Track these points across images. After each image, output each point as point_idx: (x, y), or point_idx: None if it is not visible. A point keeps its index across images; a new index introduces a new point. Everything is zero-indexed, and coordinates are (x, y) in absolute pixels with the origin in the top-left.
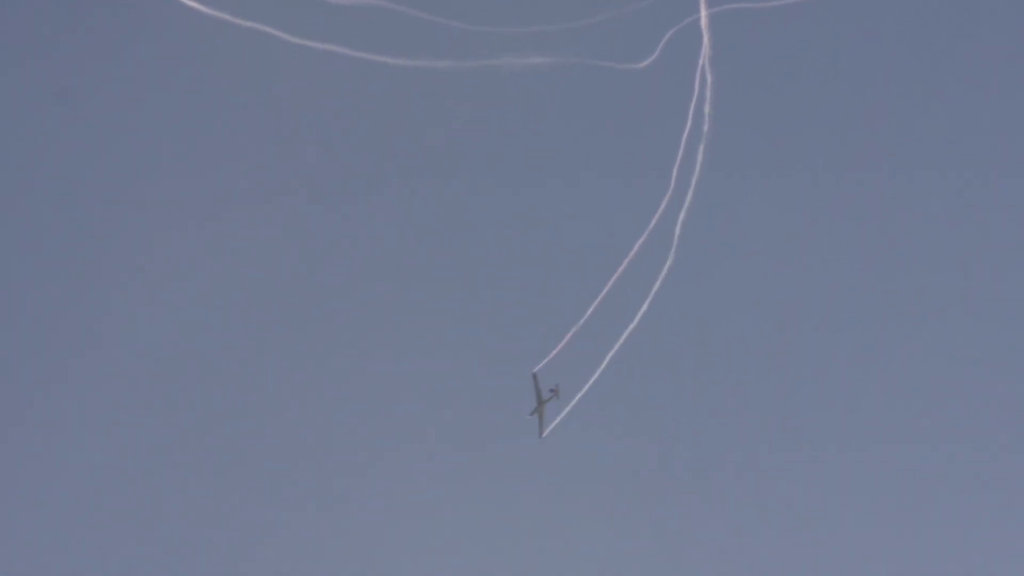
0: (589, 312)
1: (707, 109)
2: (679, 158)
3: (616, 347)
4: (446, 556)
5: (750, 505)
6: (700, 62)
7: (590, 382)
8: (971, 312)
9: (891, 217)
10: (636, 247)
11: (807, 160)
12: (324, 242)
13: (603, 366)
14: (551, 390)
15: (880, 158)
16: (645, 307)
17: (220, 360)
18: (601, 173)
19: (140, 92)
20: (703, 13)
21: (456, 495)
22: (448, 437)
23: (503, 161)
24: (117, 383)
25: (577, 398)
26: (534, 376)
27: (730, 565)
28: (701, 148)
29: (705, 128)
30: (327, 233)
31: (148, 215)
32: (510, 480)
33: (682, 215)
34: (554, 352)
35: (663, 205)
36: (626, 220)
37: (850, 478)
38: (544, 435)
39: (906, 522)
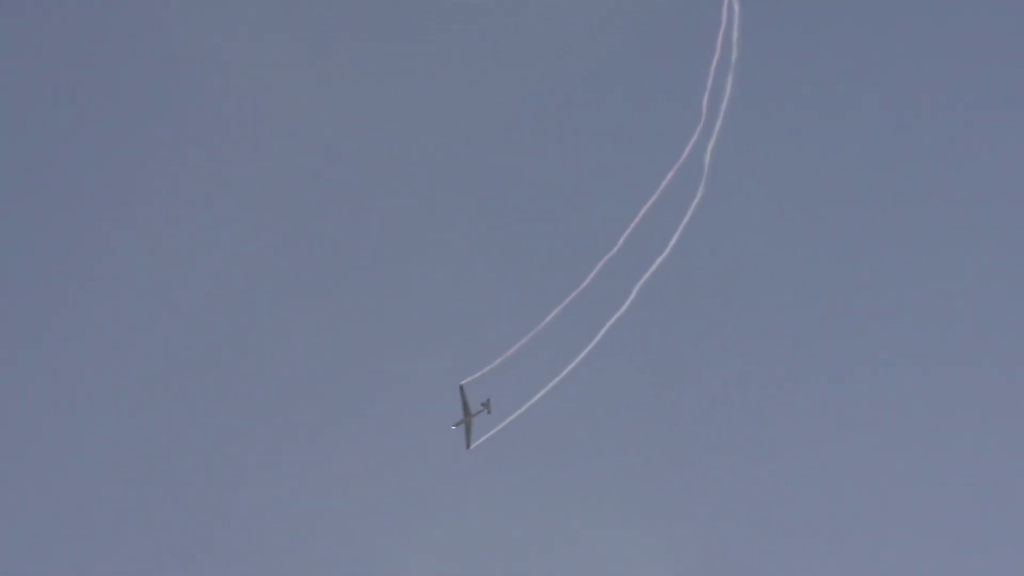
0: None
1: (735, 37)
2: (708, 88)
3: (645, 278)
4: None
5: (778, 454)
6: None
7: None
8: (1008, 239)
9: (921, 141)
10: (667, 178)
11: (836, 87)
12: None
13: (630, 300)
14: (482, 404)
15: (911, 82)
16: (676, 238)
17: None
18: (630, 104)
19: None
20: None
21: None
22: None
23: (530, 93)
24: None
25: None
26: (461, 388)
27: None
28: (730, 77)
29: (733, 57)
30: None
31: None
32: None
33: (711, 145)
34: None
35: (695, 136)
36: (656, 151)
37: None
38: (471, 448)
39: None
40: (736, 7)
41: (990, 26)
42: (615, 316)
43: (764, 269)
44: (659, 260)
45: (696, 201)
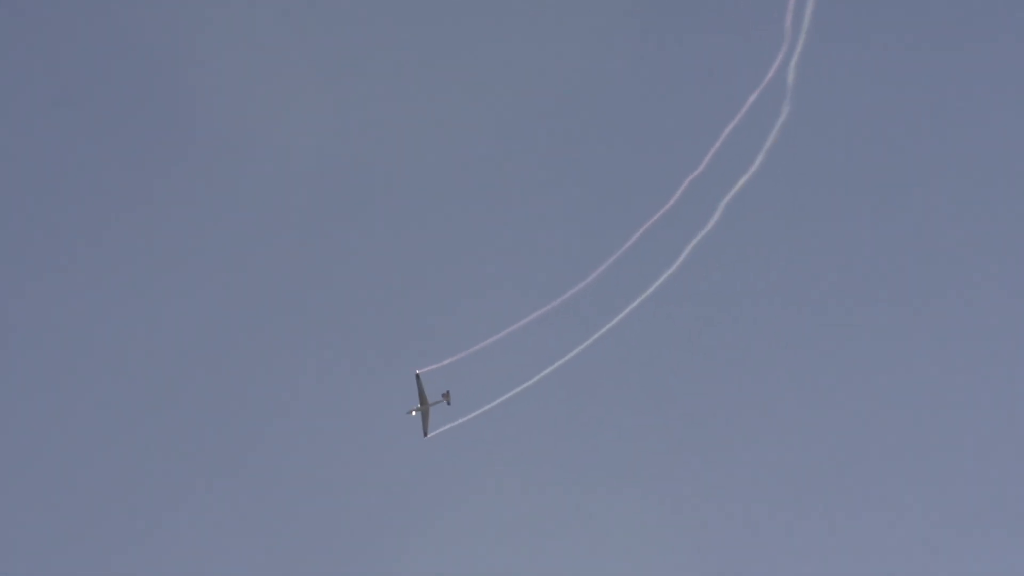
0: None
1: None
2: (791, 7)
3: (731, 195)
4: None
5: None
6: None
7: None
8: None
9: (1011, 55)
10: (751, 98)
11: (917, 6)
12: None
13: (716, 217)
14: (443, 395)
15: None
16: (761, 158)
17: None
18: (714, 25)
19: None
20: None
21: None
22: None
23: (613, 12)
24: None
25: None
26: (417, 377)
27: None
28: None
29: None
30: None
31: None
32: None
33: (794, 63)
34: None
35: (779, 56)
36: (739, 73)
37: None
38: (429, 436)
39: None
40: None
41: None
42: (700, 235)
43: (851, 188)
44: (744, 179)
45: (781, 120)
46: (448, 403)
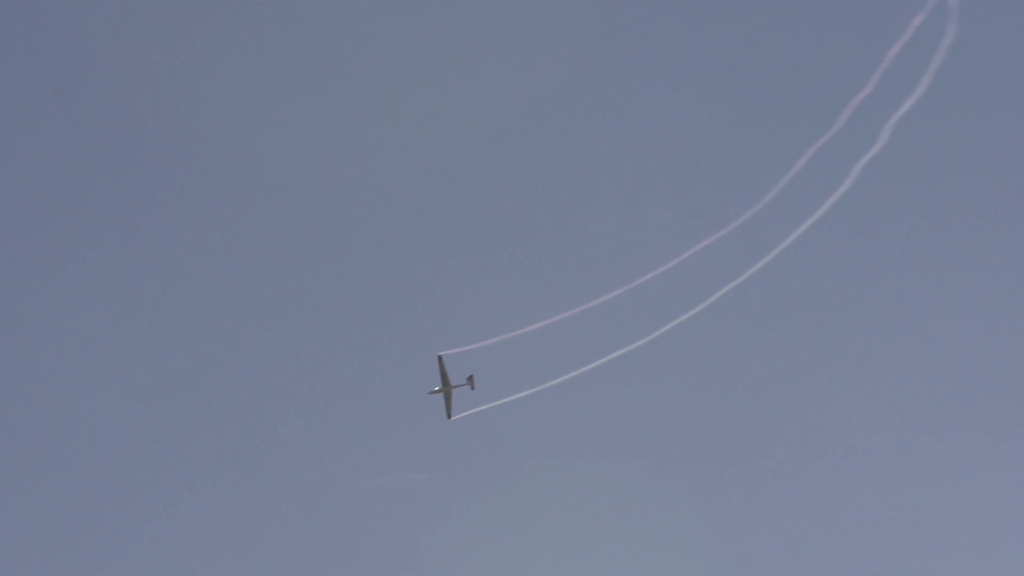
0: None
1: None
2: None
3: (897, 116)
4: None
5: None
6: None
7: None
8: None
9: None
10: (916, 22)
11: None
12: None
13: (883, 139)
14: (467, 379)
15: None
16: (927, 80)
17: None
18: None
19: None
20: None
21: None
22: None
23: None
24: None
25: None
26: (439, 359)
27: None
28: None
29: None
30: None
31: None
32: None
33: None
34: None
35: None
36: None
37: None
38: (453, 419)
39: None
40: None
41: None
42: (867, 157)
43: (1020, 110)
44: (910, 101)
45: (947, 41)
46: (472, 387)
